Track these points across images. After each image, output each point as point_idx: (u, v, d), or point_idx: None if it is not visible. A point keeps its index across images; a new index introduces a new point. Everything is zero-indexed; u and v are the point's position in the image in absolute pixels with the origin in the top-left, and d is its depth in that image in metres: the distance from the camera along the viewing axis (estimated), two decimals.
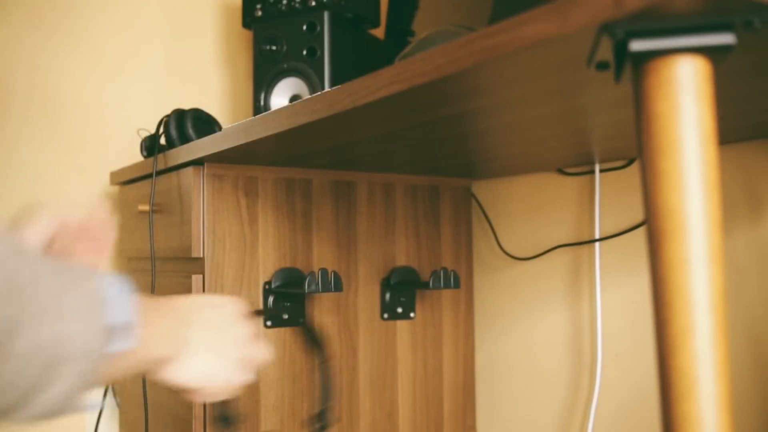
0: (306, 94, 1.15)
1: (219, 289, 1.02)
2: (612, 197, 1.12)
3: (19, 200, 1.39)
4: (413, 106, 0.67)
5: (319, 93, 0.74)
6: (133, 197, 1.28)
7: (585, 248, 1.17)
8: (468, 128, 0.79)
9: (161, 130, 1.15)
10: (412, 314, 1.23)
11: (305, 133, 0.81)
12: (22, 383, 0.43)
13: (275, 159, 1.02)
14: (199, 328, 0.59)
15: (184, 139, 1.14)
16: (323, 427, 0.82)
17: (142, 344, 0.50)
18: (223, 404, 0.71)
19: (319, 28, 1.13)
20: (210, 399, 0.59)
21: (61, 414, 0.47)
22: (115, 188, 1.46)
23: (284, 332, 1.08)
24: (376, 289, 1.20)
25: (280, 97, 1.18)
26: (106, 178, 1.48)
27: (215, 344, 0.59)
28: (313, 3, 1.13)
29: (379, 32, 1.36)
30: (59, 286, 0.44)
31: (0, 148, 1.38)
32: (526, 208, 1.27)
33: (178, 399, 1.06)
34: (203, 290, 1.01)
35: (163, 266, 1.17)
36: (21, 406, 0.44)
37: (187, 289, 1.03)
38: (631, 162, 1.09)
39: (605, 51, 0.46)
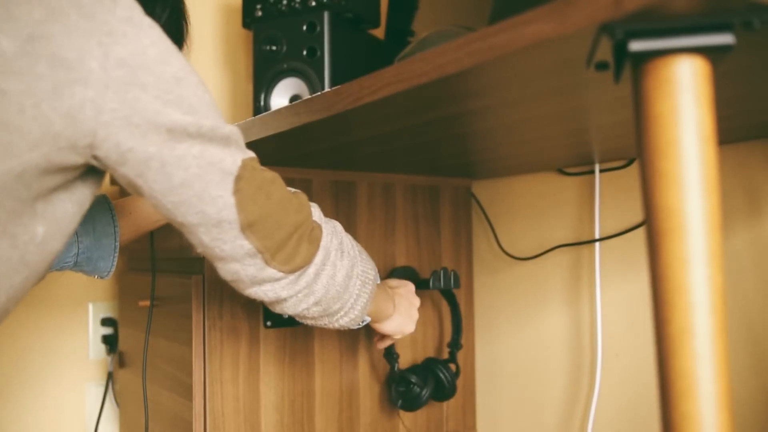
0: (306, 94, 1.15)
1: (219, 289, 1.02)
2: (612, 197, 1.12)
3: None
4: (413, 106, 0.67)
5: (319, 93, 0.75)
6: None
7: (585, 248, 1.17)
8: (468, 128, 0.79)
9: None
10: None
11: (305, 133, 0.81)
12: (354, 292, 0.79)
13: (275, 159, 1.02)
14: (400, 299, 0.97)
15: None
16: (459, 348, 1.19)
17: (377, 293, 0.87)
18: (393, 345, 1.14)
19: (319, 28, 1.13)
20: (395, 339, 1.04)
21: (356, 322, 0.84)
22: (116, 188, 1.46)
23: (284, 332, 1.08)
24: None
25: (280, 97, 1.18)
26: (106, 178, 1.48)
27: (406, 310, 0.97)
28: (313, 3, 1.14)
29: (379, 32, 1.36)
30: (358, 247, 0.83)
31: None
32: (526, 208, 1.27)
33: (178, 399, 1.06)
34: (203, 290, 1.01)
35: (163, 266, 1.17)
36: (348, 309, 0.80)
37: (187, 289, 1.03)
38: (631, 162, 1.09)
39: (605, 51, 0.46)
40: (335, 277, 0.76)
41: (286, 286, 0.72)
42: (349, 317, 0.82)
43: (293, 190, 0.74)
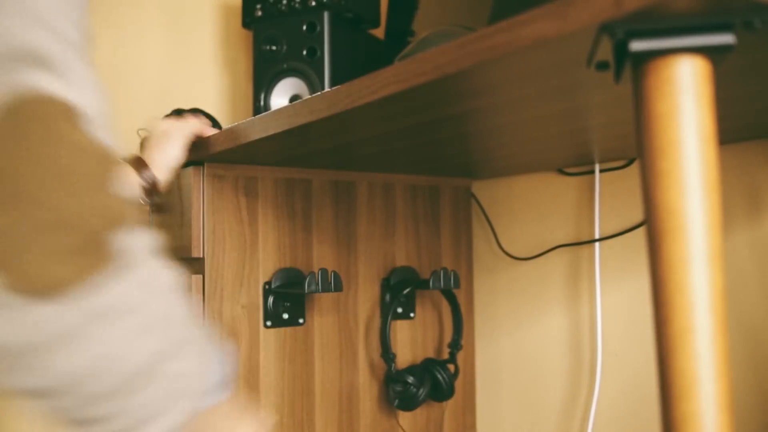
0: (306, 94, 1.15)
1: (219, 289, 1.02)
2: (612, 197, 1.12)
3: None
4: (413, 106, 0.67)
5: (319, 93, 0.74)
6: None
7: (585, 248, 1.17)
8: (468, 128, 0.79)
9: None
10: (412, 314, 1.23)
11: (305, 133, 0.81)
12: (151, 407, 0.45)
13: (275, 159, 1.02)
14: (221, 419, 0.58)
15: None
16: (459, 349, 1.19)
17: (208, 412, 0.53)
18: (390, 344, 1.10)
19: (319, 28, 1.13)
20: None
21: None
22: None
23: (284, 332, 1.08)
24: (376, 289, 1.20)
25: (280, 97, 1.18)
26: None
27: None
28: (313, 3, 1.13)
29: (379, 32, 1.36)
30: (206, 331, 0.52)
31: None
32: (526, 208, 1.27)
33: None
34: (203, 290, 1.01)
35: None
36: (132, 428, 0.45)
37: (187, 290, 1.03)
38: (631, 162, 1.09)
39: (605, 51, 0.46)
40: (123, 358, 0.43)
41: (6, 316, 0.39)
42: None
43: (130, 195, 0.48)
